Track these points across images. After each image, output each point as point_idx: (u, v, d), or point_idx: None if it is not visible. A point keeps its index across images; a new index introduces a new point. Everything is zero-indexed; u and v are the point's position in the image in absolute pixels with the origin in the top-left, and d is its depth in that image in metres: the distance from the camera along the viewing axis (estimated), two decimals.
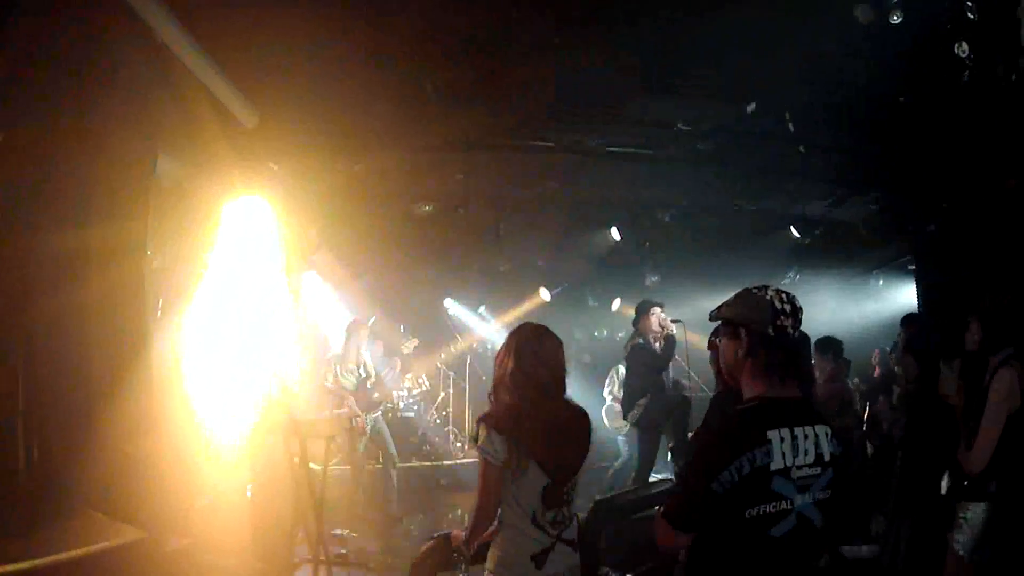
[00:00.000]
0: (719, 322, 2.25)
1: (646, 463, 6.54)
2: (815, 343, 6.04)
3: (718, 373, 2.98)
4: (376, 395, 7.35)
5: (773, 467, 1.94)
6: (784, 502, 1.96)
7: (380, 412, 7.49)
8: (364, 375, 7.33)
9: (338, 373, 7.22)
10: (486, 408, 2.71)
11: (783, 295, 2.09)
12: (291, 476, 4.85)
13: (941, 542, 3.46)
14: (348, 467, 7.45)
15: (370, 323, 9.12)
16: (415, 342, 8.10)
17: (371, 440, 7.16)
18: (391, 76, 4.95)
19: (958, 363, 3.77)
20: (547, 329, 2.77)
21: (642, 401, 6.44)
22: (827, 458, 2.02)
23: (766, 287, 2.13)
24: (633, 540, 3.72)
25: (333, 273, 9.19)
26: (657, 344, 6.59)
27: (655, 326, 6.56)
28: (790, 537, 1.97)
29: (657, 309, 6.63)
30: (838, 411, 5.60)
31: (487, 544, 2.68)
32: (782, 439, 1.96)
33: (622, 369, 7.46)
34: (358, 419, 6.88)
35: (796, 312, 2.08)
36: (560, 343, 2.76)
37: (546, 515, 2.57)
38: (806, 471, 1.99)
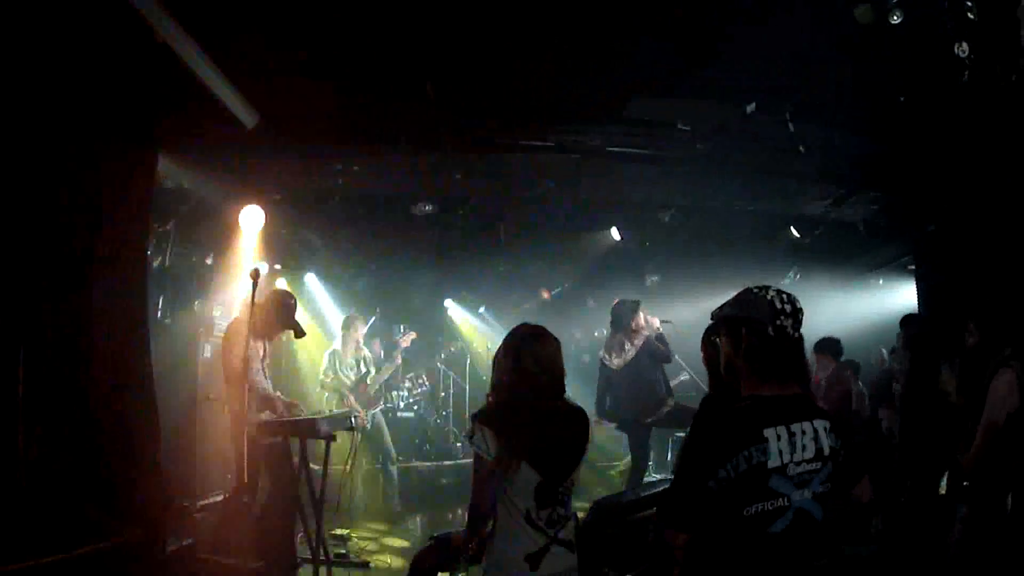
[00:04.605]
0: (716, 321, 2.26)
1: (643, 463, 6.54)
2: (815, 344, 6.04)
3: (711, 374, 2.98)
4: (375, 391, 7.33)
5: (770, 465, 1.95)
6: (782, 499, 1.97)
7: (380, 409, 7.48)
8: (364, 370, 7.31)
9: (337, 368, 7.17)
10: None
11: (783, 295, 2.11)
12: (291, 476, 4.86)
13: (941, 542, 3.46)
14: (346, 466, 7.47)
15: (371, 322, 9.13)
16: (413, 335, 8.18)
17: (370, 438, 7.13)
18: (391, 76, 4.95)
19: (958, 363, 3.77)
20: (545, 330, 2.78)
21: (671, 401, 6.41)
22: (826, 452, 2.03)
23: (767, 287, 2.15)
24: (633, 540, 3.71)
25: (333, 273, 9.20)
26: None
27: (643, 322, 6.57)
28: (788, 533, 1.97)
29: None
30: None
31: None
32: (779, 437, 1.97)
33: None
34: (358, 416, 6.88)
35: (796, 313, 2.09)
36: (558, 343, 2.77)
37: (540, 514, 2.57)
38: (805, 467, 1.99)
